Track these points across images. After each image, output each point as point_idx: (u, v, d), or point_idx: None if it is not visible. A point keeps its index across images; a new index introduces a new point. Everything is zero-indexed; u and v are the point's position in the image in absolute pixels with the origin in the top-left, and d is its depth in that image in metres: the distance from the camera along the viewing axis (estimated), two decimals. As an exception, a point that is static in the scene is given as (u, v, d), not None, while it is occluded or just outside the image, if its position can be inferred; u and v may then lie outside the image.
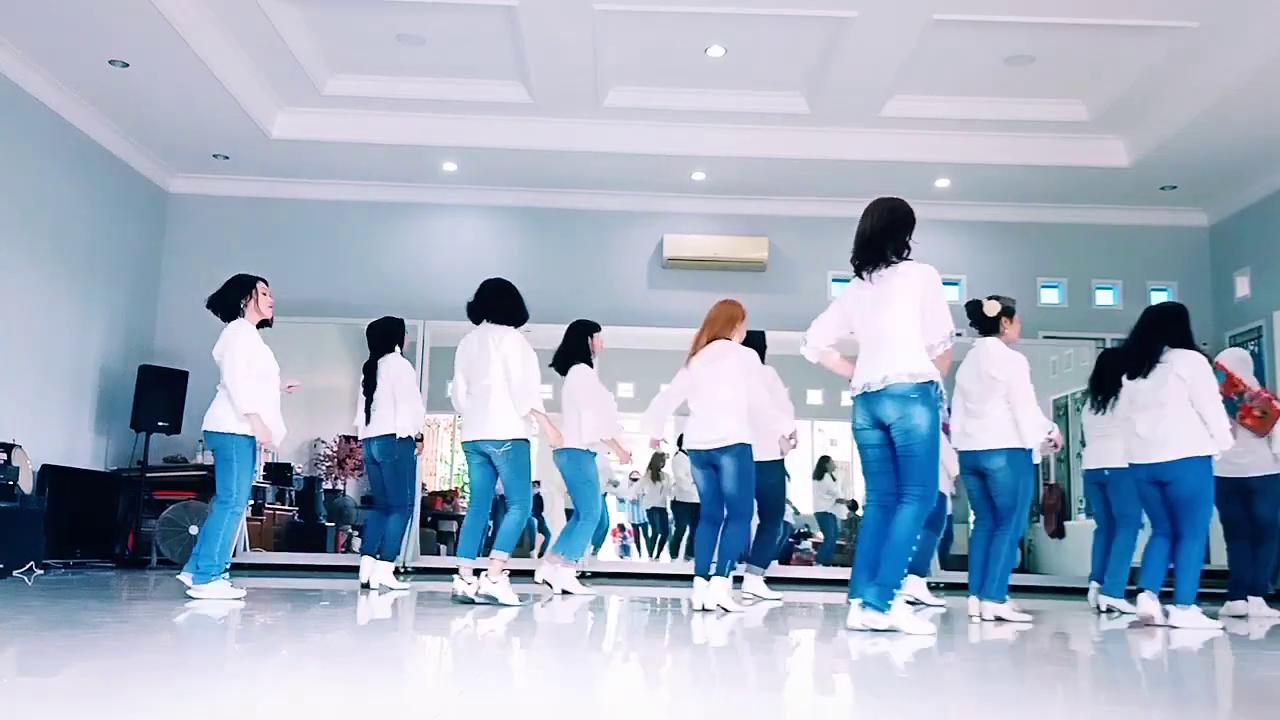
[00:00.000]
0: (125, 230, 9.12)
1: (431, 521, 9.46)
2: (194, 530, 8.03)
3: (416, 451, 6.59)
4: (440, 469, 10.38)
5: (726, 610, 5.14)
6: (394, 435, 6.36)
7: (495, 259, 9.72)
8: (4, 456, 6.76)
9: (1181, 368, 5.22)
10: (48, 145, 7.92)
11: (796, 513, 9.89)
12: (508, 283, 5.61)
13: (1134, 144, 8.67)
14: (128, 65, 7.49)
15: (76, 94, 7.98)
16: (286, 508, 9.25)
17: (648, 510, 10.66)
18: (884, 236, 4.28)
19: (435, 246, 9.89)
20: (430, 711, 2.23)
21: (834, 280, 9.92)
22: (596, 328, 6.62)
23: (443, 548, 9.37)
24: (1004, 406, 5.10)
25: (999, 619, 5.05)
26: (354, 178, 9.72)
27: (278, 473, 9.17)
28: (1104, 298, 9.92)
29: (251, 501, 8.77)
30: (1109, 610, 5.98)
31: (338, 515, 9.44)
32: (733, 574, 5.47)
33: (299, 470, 9.41)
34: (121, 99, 8.08)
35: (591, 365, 6.56)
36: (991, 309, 5.29)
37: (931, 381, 4.13)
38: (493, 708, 2.32)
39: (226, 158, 9.33)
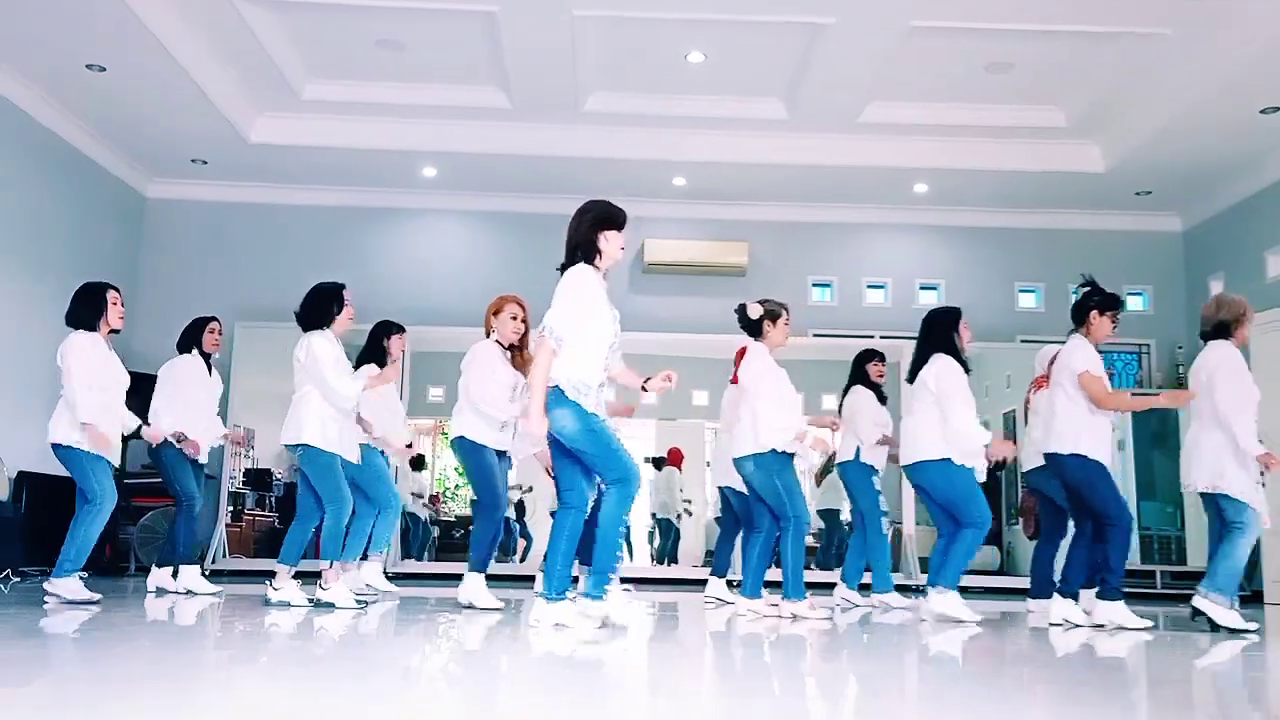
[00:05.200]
0: (102, 235, 9.06)
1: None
2: (172, 537, 7.99)
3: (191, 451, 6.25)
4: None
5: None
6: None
7: (474, 264, 9.72)
8: (-21, 463, 6.70)
9: (928, 372, 5.33)
10: (23, 149, 7.86)
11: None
12: (311, 290, 5.46)
13: (1109, 150, 8.76)
14: (105, 69, 7.45)
15: (53, 98, 7.93)
16: (267, 513, 9.21)
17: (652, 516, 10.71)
18: (571, 242, 4.28)
19: (414, 252, 9.87)
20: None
21: (814, 285, 9.97)
22: (396, 329, 6.28)
23: (424, 553, 9.36)
24: (750, 412, 5.22)
25: (755, 611, 5.22)
26: (333, 183, 9.69)
27: (258, 478, 9.12)
28: (1080, 302, 10.00)
29: (230, 508, 8.76)
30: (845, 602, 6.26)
31: (318, 521, 9.39)
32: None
33: (279, 475, 9.36)
34: (98, 103, 8.04)
35: (382, 365, 6.11)
36: (754, 311, 5.37)
37: (557, 386, 4.09)
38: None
39: (205, 162, 9.28)
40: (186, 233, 9.78)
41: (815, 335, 9.52)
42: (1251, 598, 8.41)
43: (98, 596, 5.30)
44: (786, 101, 8.35)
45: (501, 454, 5.44)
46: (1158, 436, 9.32)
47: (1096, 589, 5.05)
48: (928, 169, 9.05)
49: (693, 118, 8.54)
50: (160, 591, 6.11)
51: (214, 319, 6.51)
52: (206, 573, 6.61)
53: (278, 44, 7.60)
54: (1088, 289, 5.28)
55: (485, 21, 7.19)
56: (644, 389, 4.47)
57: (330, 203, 9.85)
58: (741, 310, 5.41)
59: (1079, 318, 5.26)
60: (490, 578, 5.38)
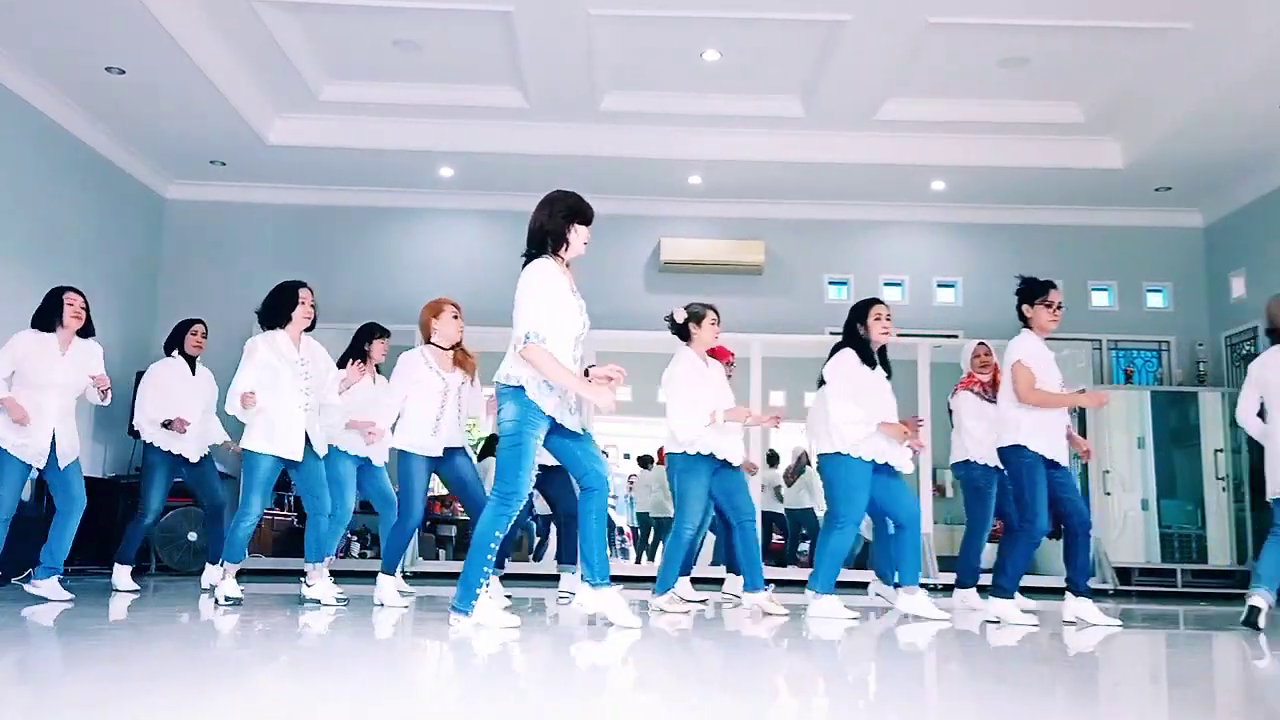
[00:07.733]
0: (122, 236, 9.13)
1: (430, 526, 9.47)
2: (192, 537, 8.06)
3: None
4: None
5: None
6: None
7: (491, 263, 9.72)
8: (2, 464, 6.74)
9: (827, 367, 5.48)
10: (44, 152, 7.93)
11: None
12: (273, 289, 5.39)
13: (1128, 145, 8.70)
14: (124, 72, 7.50)
15: (73, 101, 7.99)
16: (285, 513, 9.25)
17: (638, 515, 10.70)
18: (540, 231, 4.16)
19: (432, 252, 9.91)
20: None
21: (830, 283, 9.95)
22: (378, 333, 6.10)
23: (441, 552, 9.39)
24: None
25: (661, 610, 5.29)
26: (351, 183, 9.73)
27: (276, 478, 9.15)
28: (1100, 299, 9.95)
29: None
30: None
31: (336, 520, 9.43)
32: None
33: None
34: (118, 106, 8.10)
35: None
36: (679, 315, 5.41)
37: (518, 386, 3.99)
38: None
39: (224, 164, 9.34)
40: (206, 234, 9.84)
41: (832, 334, 9.48)
42: None
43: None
44: (803, 99, 8.33)
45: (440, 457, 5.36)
46: (1178, 435, 9.26)
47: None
48: (945, 166, 9.01)
49: (709, 116, 8.53)
50: (213, 589, 6.10)
51: (198, 321, 6.47)
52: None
53: (295, 45, 7.64)
54: (1021, 289, 5.43)
55: (501, 21, 7.21)
56: (586, 374, 4.22)
57: (348, 203, 9.90)
58: (669, 318, 5.45)
59: (1020, 317, 5.43)
60: (509, 577, 5.42)
